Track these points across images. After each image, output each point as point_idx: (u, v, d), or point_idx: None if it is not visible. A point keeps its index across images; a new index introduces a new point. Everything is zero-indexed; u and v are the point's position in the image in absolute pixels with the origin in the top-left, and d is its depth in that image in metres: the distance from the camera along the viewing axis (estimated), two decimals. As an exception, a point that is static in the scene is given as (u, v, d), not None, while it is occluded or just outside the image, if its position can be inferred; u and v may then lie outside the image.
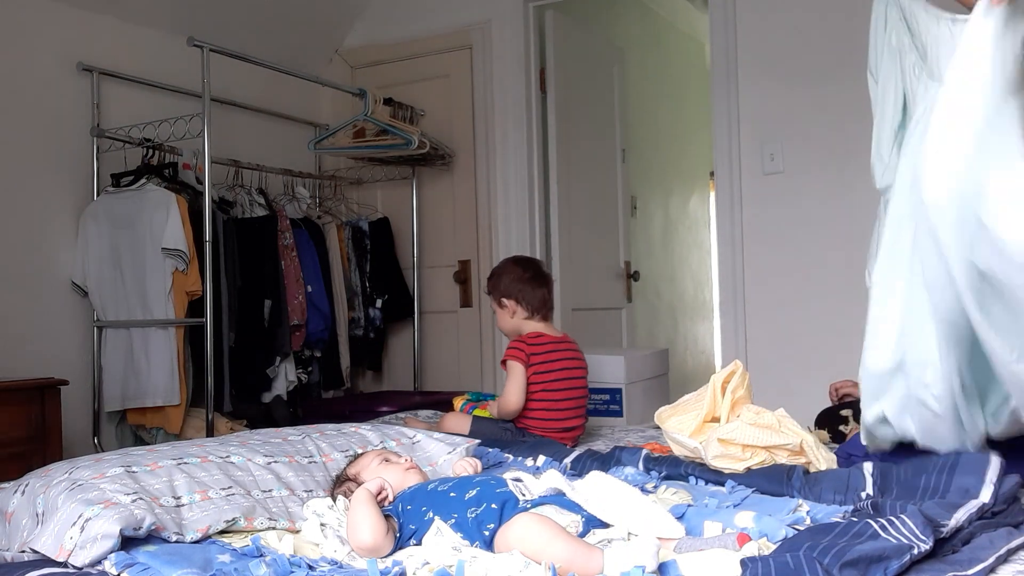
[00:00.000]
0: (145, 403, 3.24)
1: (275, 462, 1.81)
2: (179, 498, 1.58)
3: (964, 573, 1.25)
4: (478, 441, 2.28)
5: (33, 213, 3.23)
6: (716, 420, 2.08)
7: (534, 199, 4.13)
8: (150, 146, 3.35)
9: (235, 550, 1.48)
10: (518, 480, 1.60)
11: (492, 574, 1.32)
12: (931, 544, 1.29)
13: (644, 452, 2.12)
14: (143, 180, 3.27)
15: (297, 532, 1.63)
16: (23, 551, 1.49)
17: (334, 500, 1.70)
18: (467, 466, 1.92)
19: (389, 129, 3.86)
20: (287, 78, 3.86)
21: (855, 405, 2.32)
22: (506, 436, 2.64)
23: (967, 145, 1.52)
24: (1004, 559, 1.33)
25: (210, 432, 3.04)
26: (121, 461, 1.64)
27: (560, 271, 4.14)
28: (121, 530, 1.41)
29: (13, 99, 3.18)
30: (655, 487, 1.87)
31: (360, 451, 1.97)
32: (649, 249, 5.33)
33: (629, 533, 1.43)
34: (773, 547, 1.36)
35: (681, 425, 2.10)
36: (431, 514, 1.52)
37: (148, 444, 2.85)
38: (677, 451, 2.11)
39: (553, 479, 1.58)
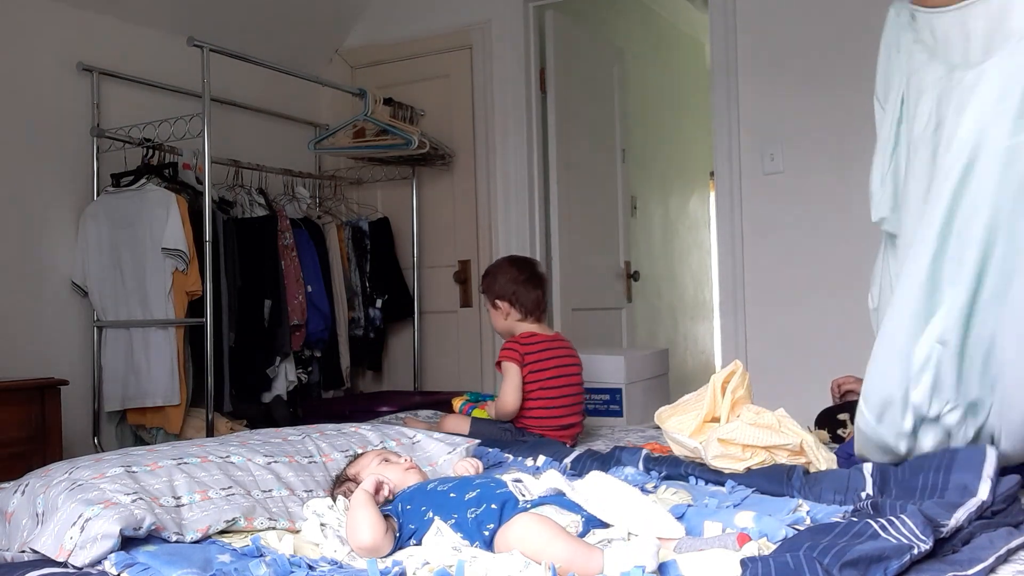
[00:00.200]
0: (145, 403, 3.24)
1: (275, 462, 1.81)
2: (179, 498, 1.58)
3: (964, 573, 1.25)
4: (478, 441, 2.28)
5: (33, 213, 3.23)
6: (716, 420, 2.08)
7: (534, 199, 4.13)
8: (150, 146, 3.36)
9: (235, 550, 1.48)
10: (518, 480, 1.60)
11: (492, 574, 1.32)
12: (931, 544, 1.29)
13: (644, 452, 2.12)
14: (143, 180, 3.27)
15: (297, 532, 1.63)
16: (23, 551, 1.49)
17: (334, 500, 1.70)
18: (468, 466, 1.91)
19: (389, 129, 3.86)
20: (287, 78, 3.86)
21: (854, 407, 2.31)
22: (506, 436, 2.65)
23: None
24: (1004, 559, 1.33)
25: (210, 432, 3.04)
26: (121, 461, 1.64)
27: (560, 271, 4.14)
28: (121, 530, 1.41)
29: (13, 99, 3.18)
30: (655, 487, 1.88)
31: (360, 451, 1.97)
32: (649, 249, 5.33)
33: (629, 533, 1.43)
34: (773, 547, 1.36)
35: (681, 425, 2.09)
36: (431, 514, 1.52)
37: (148, 444, 2.85)
38: (677, 451, 2.12)
39: (553, 479, 1.58)
